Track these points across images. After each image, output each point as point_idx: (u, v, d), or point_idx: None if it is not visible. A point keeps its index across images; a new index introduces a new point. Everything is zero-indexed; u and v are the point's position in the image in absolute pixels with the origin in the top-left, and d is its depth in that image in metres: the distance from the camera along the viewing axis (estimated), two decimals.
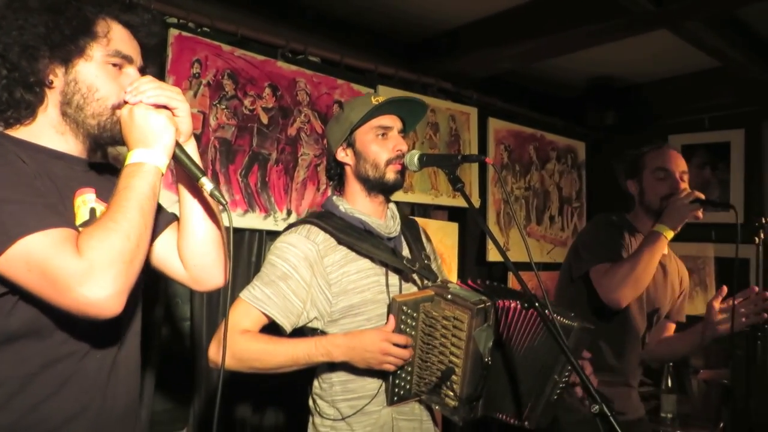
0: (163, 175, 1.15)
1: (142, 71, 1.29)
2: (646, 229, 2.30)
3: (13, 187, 1.05)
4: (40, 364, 1.14)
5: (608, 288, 2.11)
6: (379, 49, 3.24)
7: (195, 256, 1.32)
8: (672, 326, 2.50)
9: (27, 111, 1.19)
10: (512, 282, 3.48)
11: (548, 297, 1.41)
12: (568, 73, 3.82)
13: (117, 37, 1.22)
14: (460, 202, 3.40)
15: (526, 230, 3.94)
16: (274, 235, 2.47)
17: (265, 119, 2.73)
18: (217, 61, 2.56)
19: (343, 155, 1.73)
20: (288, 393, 2.56)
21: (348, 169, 1.74)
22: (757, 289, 2.14)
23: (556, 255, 4.05)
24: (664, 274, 2.38)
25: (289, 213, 2.78)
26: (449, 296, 1.52)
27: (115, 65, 1.22)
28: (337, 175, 1.78)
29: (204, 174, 1.19)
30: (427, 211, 3.37)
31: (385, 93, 3.05)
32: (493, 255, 3.54)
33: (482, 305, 1.48)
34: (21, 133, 1.20)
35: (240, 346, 1.54)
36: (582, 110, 4.12)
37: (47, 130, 1.21)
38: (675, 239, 4.23)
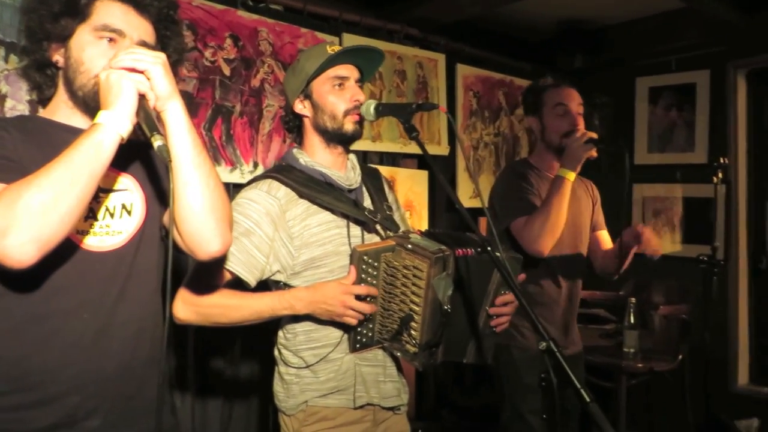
0: (123, 136, 1.15)
1: (161, 45, 1.35)
2: (548, 166, 2.43)
3: None
4: (25, 319, 1.22)
5: (529, 240, 2.20)
6: None
7: (182, 223, 1.26)
8: (602, 234, 2.59)
9: (46, 91, 1.33)
10: (483, 227, 3.53)
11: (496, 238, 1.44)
12: (537, 17, 3.78)
13: (109, 13, 1.27)
14: (429, 150, 3.39)
15: (496, 176, 3.96)
16: (240, 188, 2.45)
17: (227, 71, 2.69)
18: None
19: (301, 107, 1.71)
20: (258, 344, 2.60)
21: (306, 121, 1.73)
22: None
23: None
24: (573, 198, 2.40)
25: (255, 165, 2.77)
26: (410, 246, 1.54)
27: (110, 40, 1.27)
28: (296, 128, 1.77)
29: (157, 131, 1.17)
30: (396, 159, 3.37)
31: (349, 41, 3.00)
32: (463, 201, 3.57)
33: (441, 254, 1.51)
34: (46, 111, 1.35)
35: (205, 302, 1.56)
36: (551, 54, 4.09)
37: (62, 107, 1.32)
38: (643, 181, 4.28)
